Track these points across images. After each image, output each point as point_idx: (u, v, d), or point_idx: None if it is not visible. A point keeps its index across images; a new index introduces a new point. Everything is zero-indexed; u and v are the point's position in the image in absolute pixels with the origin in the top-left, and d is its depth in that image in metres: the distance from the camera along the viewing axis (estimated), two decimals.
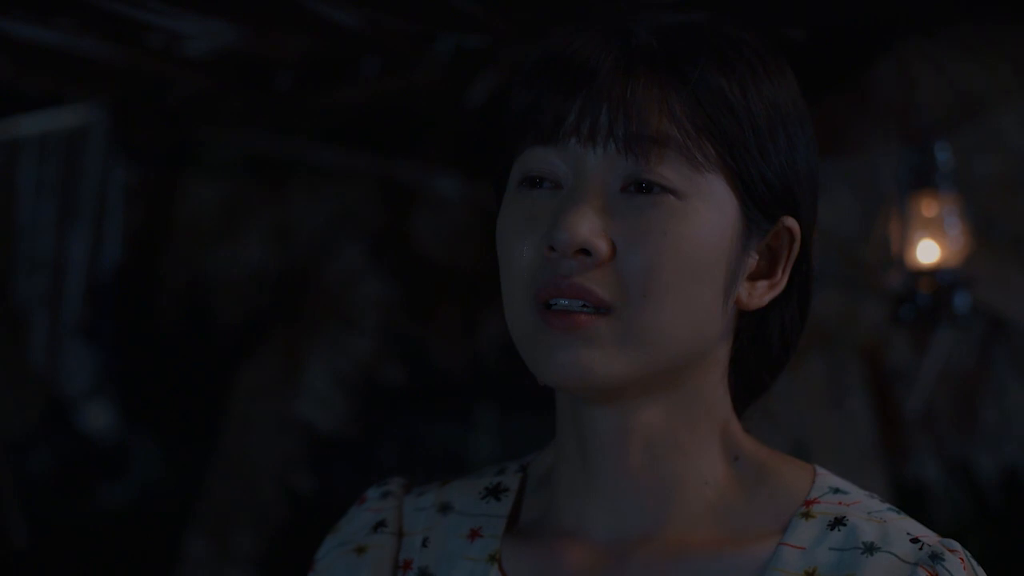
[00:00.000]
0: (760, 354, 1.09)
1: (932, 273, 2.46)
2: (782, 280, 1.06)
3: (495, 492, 1.12)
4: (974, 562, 1.04)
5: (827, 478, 1.08)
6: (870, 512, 1.05)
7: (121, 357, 3.38)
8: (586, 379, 1.00)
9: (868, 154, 2.68)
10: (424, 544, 1.11)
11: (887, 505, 1.07)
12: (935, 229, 2.47)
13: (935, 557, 1.02)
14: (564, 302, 1.00)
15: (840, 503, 1.05)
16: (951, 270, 2.46)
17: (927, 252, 2.47)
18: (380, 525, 1.14)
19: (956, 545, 1.03)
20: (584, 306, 1.00)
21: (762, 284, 1.06)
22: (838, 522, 1.04)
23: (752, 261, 1.05)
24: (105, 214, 3.25)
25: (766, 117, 1.03)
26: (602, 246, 1.00)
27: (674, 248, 1.00)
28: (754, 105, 1.02)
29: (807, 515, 1.05)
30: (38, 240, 3.27)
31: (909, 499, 2.73)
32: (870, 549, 1.02)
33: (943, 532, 1.05)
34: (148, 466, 3.46)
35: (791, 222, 1.05)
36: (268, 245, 3.26)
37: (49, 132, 3.21)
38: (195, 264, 3.31)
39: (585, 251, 1.00)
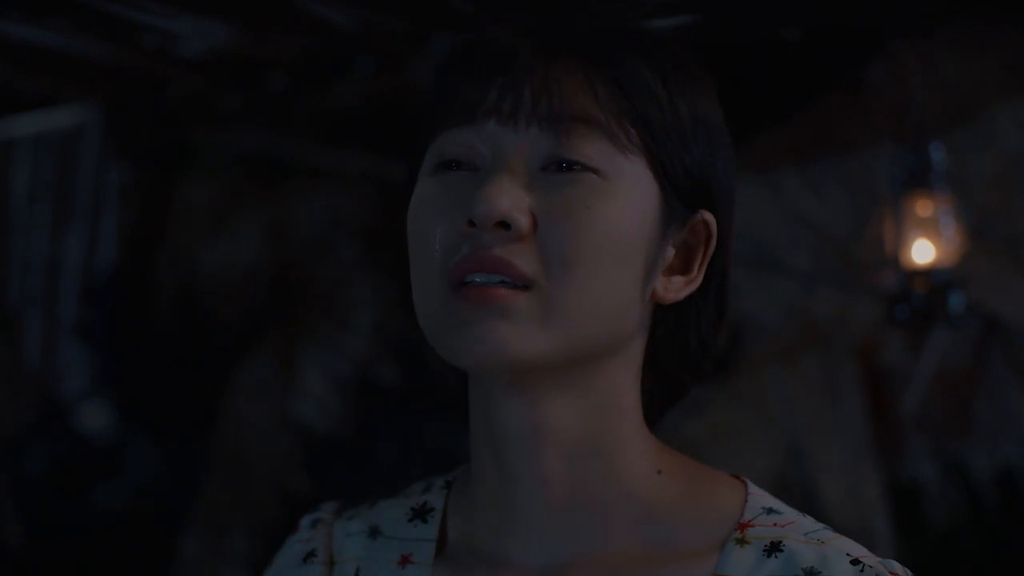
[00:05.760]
0: (678, 353, 1.07)
1: (927, 273, 2.46)
2: (698, 276, 1.04)
3: (421, 513, 1.09)
4: None
5: (759, 497, 1.05)
6: (806, 533, 1.02)
7: (116, 357, 3.38)
8: (501, 355, 0.96)
9: (863, 154, 2.68)
10: (356, 574, 1.08)
11: (822, 524, 1.04)
12: (930, 229, 2.48)
13: None
14: (480, 278, 0.96)
15: (775, 524, 1.02)
16: (946, 270, 2.46)
17: (922, 252, 2.47)
18: (310, 556, 1.10)
19: (897, 566, 1.01)
20: (502, 281, 0.96)
21: (678, 279, 1.03)
22: (774, 547, 1.00)
23: (669, 254, 1.03)
24: (100, 214, 3.25)
25: (689, 116, 1.01)
26: (523, 220, 0.96)
27: (596, 225, 0.97)
28: (678, 101, 1.01)
29: (742, 540, 1.01)
30: (33, 240, 3.28)
31: (904, 498, 2.73)
32: (810, 575, 0.99)
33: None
34: (144, 466, 3.45)
35: (708, 216, 1.03)
36: (263, 245, 3.26)
37: (44, 132, 3.21)
38: (190, 264, 3.31)
39: (505, 225, 0.96)
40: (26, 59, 2.68)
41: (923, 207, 2.48)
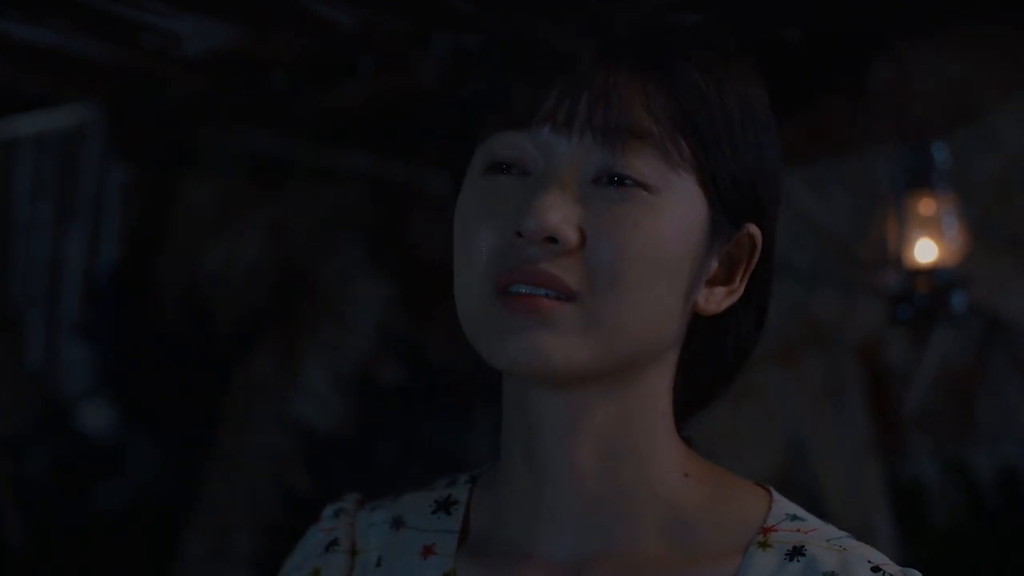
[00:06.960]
0: (713, 361, 1.08)
1: (929, 273, 2.46)
2: (740, 288, 1.05)
3: (445, 506, 1.10)
4: None
5: (783, 504, 1.06)
6: (829, 540, 1.02)
7: (118, 357, 3.38)
8: (545, 364, 0.97)
9: (865, 153, 2.68)
10: (378, 563, 1.09)
11: (844, 532, 1.04)
12: (932, 229, 2.47)
13: None
14: (525, 289, 0.97)
15: (798, 530, 1.03)
16: (948, 270, 2.45)
17: (924, 252, 2.47)
18: (333, 544, 1.11)
19: (916, 574, 1.01)
20: (547, 294, 0.97)
21: (720, 290, 1.04)
22: (796, 552, 1.01)
23: (713, 267, 1.04)
24: (102, 214, 3.25)
25: (739, 115, 1.01)
26: (571, 235, 0.97)
27: (644, 242, 0.98)
28: (728, 102, 1.01)
29: (764, 544, 1.02)
30: (35, 240, 3.28)
31: (906, 498, 2.73)
32: None
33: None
34: (145, 465, 3.45)
35: (754, 230, 1.04)
36: (264, 245, 3.26)
37: (46, 132, 3.22)
38: (192, 264, 3.31)
39: (552, 239, 0.97)
40: (26, 59, 2.68)
41: (925, 207, 2.47)
